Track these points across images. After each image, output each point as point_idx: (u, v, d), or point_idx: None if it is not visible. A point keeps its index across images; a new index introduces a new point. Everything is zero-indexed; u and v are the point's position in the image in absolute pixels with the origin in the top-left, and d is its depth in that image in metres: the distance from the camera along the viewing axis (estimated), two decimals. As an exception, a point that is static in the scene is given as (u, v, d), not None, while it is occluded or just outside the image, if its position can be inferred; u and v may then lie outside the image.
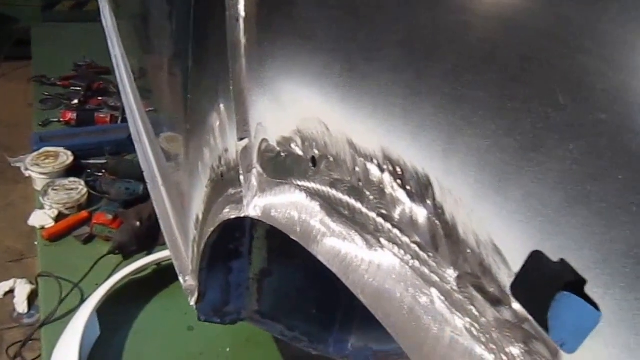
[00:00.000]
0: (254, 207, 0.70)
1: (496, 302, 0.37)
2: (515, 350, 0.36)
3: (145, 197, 2.27)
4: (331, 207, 0.54)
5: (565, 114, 0.32)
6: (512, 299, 0.36)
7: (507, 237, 0.36)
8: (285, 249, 1.10)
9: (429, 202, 0.42)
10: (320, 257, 0.55)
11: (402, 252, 0.45)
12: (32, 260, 2.29)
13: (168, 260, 1.92)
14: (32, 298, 2.04)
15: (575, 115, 0.32)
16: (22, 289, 2.05)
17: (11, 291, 2.09)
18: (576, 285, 0.32)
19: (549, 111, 0.33)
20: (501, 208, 0.36)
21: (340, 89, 0.52)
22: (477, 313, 0.38)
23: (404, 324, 0.44)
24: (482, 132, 0.37)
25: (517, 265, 0.35)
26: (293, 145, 0.60)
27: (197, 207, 1.01)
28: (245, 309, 1.17)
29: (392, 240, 0.46)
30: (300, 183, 0.60)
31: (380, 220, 0.48)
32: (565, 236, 0.32)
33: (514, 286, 0.35)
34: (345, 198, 0.52)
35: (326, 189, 0.55)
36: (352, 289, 0.50)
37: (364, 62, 0.48)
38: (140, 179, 2.26)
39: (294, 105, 0.60)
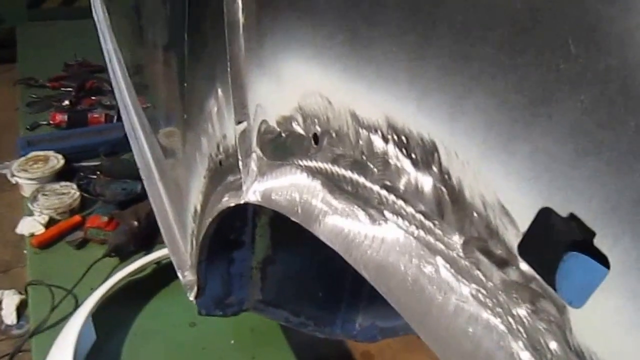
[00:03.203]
0: (253, 192, 0.71)
1: (503, 263, 0.38)
2: (522, 311, 0.36)
3: (142, 196, 2.27)
4: (333, 184, 0.55)
5: (576, 64, 0.33)
6: (519, 259, 0.36)
7: (514, 197, 0.37)
8: (289, 234, 1.11)
9: (434, 168, 0.43)
10: (322, 237, 0.56)
11: (406, 223, 0.46)
12: (20, 269, 2.29)
13: (167, 258, 1.93)
14: (21, 309, 2.03)
15: (586, 64, 0.32)
16: (10, 300, 2.04)
17: (-2, 302, 2.08)
18: (584, 238, 0.33)
19: (560, 62, 0.34)
20: (509, 167, 0.37)
21: (342, 59, 0.53)
22: (483, 277, 0.39)
23: (407, 296, 0.45)
24: (490, 90, 0.38)
25: (525, 224, 0.36)
26: (294, 124, 0.61)
27: (194, 198, 1.02)
28: (248, 299, 1.19)
29: (397, 212, 0.47)
30: (301, 163, 0.61)
31: (384, 192, 0.48)
32: (574, 189, 0.33)
33: (521, 246, 0.36)
34: (348, 173, 0.53)
35: (328, 166, 0.56)
36: (354, 265, 0.51)
37: (367, 29, 0.49)
38: (138, 177, 2.27)
39: (294, 81, 0.61)
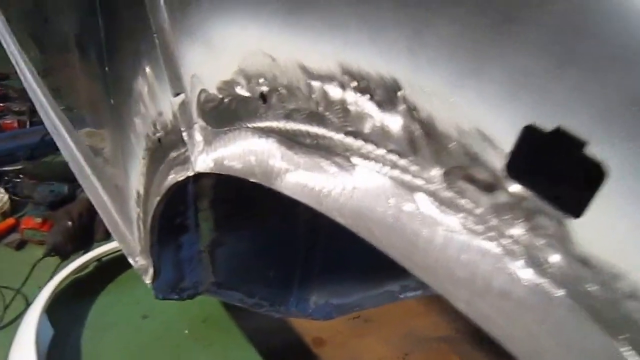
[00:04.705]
0: (202, 161, 0.64)
1: (490, 187, 0.34)
2: (516, 231, 0.33)
3: (72, 196, 2.16)
4: (290, 140, 0.50)
5: None
6: (508, 179, 0.33)
7: (492, 119, 0.33)
8: (233, 216, 1.05)
9: (400, 105, 0.38)
10: (287, 192, 0.50)
11: (378, 165, 0.42)
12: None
13: (108, 254, 1.85)
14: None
15: None
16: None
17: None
18: (573, 149, 0.30)
19: None
20: (481, 91, 0.33)
21: (280, 13, 0.47)
22: (470, 205, 0.36)
23: (390, 235, 0.41)
24: (449, 17, 0.34)
25: (508, 145, 0.33)
26: (237, 88, 0.55)
27: (135, 183, 0.93)
28: (202, 282, 1.11)
29: (365, 156, 0.43)
30: (251, 124, 0.54)
31: (348, 139, 0.44)
32: (557, 101, 0.30)
33: (508, 166, 0.33)
34: (305, 127, 0.47)
35: (282, 124, 0.50)
36: (328, 214, 0.46)
37: None
38: (63, 179, 2.14)
39: (231, 44, 0.54)
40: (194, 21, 0.58)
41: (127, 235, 1.12)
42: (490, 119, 0.33)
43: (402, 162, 0.39)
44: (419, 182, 0.39)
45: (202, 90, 0.61)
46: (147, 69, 0.73)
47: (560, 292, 0.31)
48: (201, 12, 0.57)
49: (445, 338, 1.75)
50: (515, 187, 0.33)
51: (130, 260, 1.12)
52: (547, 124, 0.30)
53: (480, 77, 0.33)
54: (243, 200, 1.02)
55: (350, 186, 0.44)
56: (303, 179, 0.48)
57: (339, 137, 0.44)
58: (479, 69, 0.33)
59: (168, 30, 0.64)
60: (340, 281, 1.22)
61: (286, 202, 0.55)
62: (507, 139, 0.33)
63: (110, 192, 1.14)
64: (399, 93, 0.38)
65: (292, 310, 1.22)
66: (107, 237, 1.88)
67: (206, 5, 0.56)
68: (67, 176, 1.78)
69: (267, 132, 0.52)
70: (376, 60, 0.39)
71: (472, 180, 0.35)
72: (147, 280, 1.04)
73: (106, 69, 0.89)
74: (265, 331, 1.72)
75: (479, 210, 0.35)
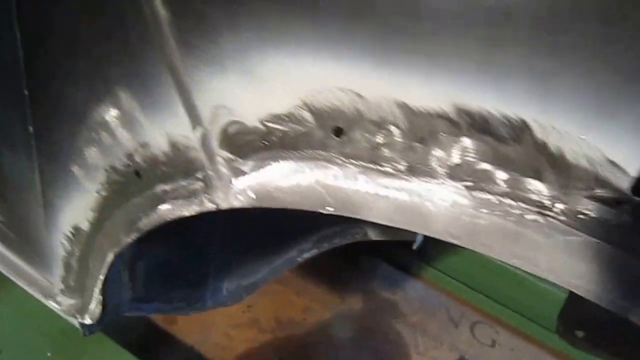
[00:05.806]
0: (235, 194, 0.62)
1: (615, 204, 0.44)
2: None
3: None
4: (378, 166, 0.52)
5: None
6: (634, 196, 0.44)
7: (620, 151, 0.43)
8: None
9: (526, 141, 0.45)
10: (377, 219, 0.53)
11: (492, 189, 0.48)
12: None
13: None
14: None
15: None
16: None
17: None
18: None
19: None
20: (613, 131, 0.43)
21: (371, 51, 0.49)
22: (595, 220, 0.45)
23: (510, 249, 0.48)
24: (579, 71, 0.42)
25: (633, 170, 0.43)
26: (296, 121, 0.55)
27: (75, 218, 0.82)
28: (122, 302, 1.03)
29: (480, 188, 0.48)
30: (317, 154, 0.55)
31: (456, 169, 0.49)
32: None
33: (635, 186, 0.43)
34: (401, 156, 0.50)
35: (367, 153, 0.52)
36: (434, 235, 0.51)
37: (408, 22, 0.46)
38: None
39: (290, 78, 0.54)
40: (229, 50, 0.56)
41: (37, 276, 0.97)
42: (618, 150, 0.43)
43: (520, 183, 0.47)
44: (540, 199, 0.46)
45: (233, 122, 0.59)
46: (123, 96, 0.66)
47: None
48: (241, 42, 0.55)
49: (280, 280, 1.90)
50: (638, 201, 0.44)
51: (52, 304, 0.98)
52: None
53: (613, 120, 0.43)
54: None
55: (459, 205, 0.49)
56: (400, 203, 0.52)
57: (444, 163, 0.49)
58: (611, 115, 0.42)
59: (176, 55, 0.60)
60: (246, 262, 1.27)
61: None
62: (633, 165, 0.43)
63: (10, 229, 0.97)
64: (526, 131, 0.45)
65: (208, 303, 1.24)
66: None
67: (250, 36, 0.54)
68: None
69: (338, 162, 0.54)
70: (501, 103, 0.46)
71: (597, 199, 0.45)
72: (87, 320, 0.93)
73: (25, 92, 0.76)
74: (121, 325, 1.64)
75: (605, 225, 0.45)
